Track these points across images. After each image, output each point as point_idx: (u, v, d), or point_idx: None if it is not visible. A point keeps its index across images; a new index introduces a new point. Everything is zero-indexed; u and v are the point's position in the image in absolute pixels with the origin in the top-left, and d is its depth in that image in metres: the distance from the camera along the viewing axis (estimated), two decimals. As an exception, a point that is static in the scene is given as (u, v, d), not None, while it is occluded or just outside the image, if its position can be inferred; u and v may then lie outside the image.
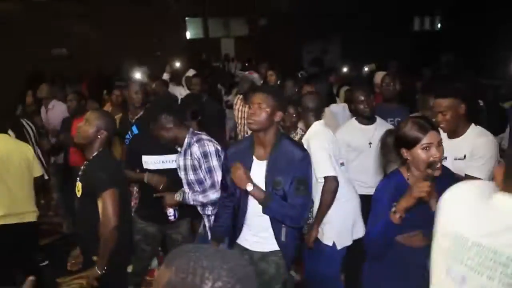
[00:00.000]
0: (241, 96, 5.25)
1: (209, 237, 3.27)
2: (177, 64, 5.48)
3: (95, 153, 2.92)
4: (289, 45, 15.41)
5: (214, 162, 3.14)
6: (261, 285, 2.69)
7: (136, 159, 3.54)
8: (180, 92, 6.31)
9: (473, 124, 3.06)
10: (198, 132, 3.37)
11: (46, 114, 5.51)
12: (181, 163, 3.28)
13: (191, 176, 3.24)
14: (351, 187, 3.49)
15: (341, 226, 3.37)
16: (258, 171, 2.65)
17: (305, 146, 3.26)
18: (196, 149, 3.15)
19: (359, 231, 3.36)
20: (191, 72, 6.77)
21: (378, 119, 3.84)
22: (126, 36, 12.75)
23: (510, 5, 10.56)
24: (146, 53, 12.72)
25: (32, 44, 11.55)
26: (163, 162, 3.49)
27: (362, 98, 3.71)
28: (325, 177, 3.20)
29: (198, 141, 3.19)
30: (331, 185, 3.20)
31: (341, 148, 3.57)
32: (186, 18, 15.28)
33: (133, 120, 4.35)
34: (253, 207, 2.71)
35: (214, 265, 0.99)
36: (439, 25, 21.71)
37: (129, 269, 4.32)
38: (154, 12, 13.32)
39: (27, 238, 3.78)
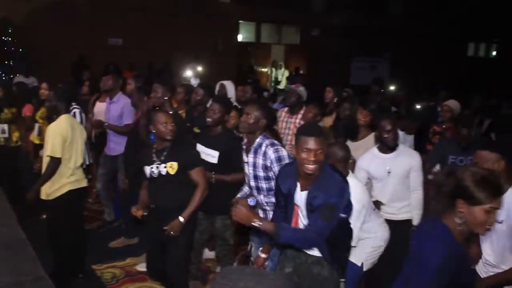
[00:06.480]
0: (286, 109, 5.32)
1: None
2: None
3: None
4: (338, 58, 15.36)
5: None
6: (315, 284, 2.78)
7: None
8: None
9: None
10: (268, 136, 3.57)
11: (109, 105, 5.36)
12: (251, 160, 3.48)
13: (261, 173, 3.45)
14: (385, 226, 3.49)
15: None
16: (301, 199, 2.69)
17: None
18: (271, 153, 3.37)
19: None
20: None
21: (401, 147, 3.83)
22: (177, 32, 13.07)
23: None
24: (196, 50, 12.98)
25: (90, 32, 11.99)
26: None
27: (389, 127, 3.66)
28: None
29: (272, 145, 3.40)
30: None
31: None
32: (240, 21, 15.41)
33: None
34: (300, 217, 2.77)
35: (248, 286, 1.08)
36: (494, 52, 21.22)
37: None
38: (208, 12, 13.54)
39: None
